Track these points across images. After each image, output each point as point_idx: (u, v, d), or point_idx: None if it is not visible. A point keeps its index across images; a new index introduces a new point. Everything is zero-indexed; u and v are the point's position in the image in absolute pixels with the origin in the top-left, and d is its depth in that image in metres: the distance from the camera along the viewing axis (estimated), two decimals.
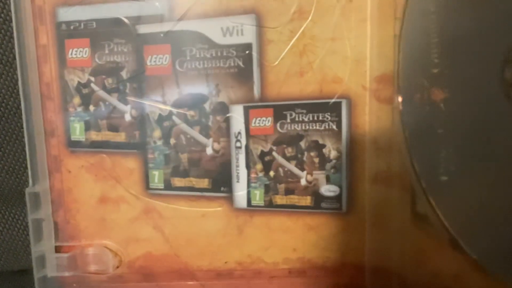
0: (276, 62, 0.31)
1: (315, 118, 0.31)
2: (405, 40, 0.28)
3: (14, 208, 0.35)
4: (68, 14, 0.31)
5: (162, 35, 0.31)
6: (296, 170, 0.32)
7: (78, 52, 0.31)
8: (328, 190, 0.32)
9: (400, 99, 0.29)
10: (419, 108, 0.29)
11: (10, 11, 0.31)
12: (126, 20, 0.31)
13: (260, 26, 0.30)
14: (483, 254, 0.28)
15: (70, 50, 0.31)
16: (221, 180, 0.32)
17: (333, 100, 0.31)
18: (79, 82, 0.32)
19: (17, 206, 0.35)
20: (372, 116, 0.31)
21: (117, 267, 0.33)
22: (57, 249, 0.33)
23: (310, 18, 0.30)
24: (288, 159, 0.32)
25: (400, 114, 0.30)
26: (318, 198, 0.32)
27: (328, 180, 0.32)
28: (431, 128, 0.28)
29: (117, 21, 0.31)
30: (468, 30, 0.25)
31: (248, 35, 0.30)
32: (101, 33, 0.31)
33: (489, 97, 0.25)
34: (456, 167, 0.28)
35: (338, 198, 0.32)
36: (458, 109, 0.27)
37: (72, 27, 0.31)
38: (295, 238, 0.33)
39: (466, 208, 0.28)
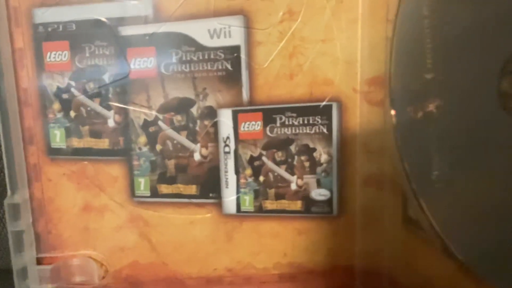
0: (265, 65, 0.30)
1: (305, 122, 0.31)
2: (398, 44, 0.28)
3: None
4: (45, 15, 0.29)
5: (147, 37, 0.29)
6: (286, 175, 0.31)
7: (57, 55, 0.30)
8: (319, 194, 0.32)
9: (391, 103, 0.29)
10: (411, 112, 0.28)
11: None
12: (107, 22, 0.29)
13: (248, 28, 0.29)
14: (473, 258, 0.28)
15: (48, 54, 0.30)
16: (209, 186, 0.32)
17: (323, 103, 0.30)
18: (58, 87, 0.30)
19: None
20: (363, 119, 0.31)
21: (103, 277, 0.32)
22: (39, 261, 0.32)
23: (300, 19, 0.29)
24: (278, 163, 0.31)
25: (392, 118, 0.29)
26: (309, 203, 0.32)
27: (319, 184, 0.31)
28: (423, 132, 0.28)
29: (98, 23, 0.29)
30: (463, 36, 0.25)
31: (236, 37, 0.29)
32: (81, 35, 0.29)
33: (483, 106, 0.24)
34: (447, 172, 0.28)
35: (329, 202, 0.32)
36: (450, 115, 0.27)
37: (50, 29, 0.29)
38: (285, 243, 0.32)
39: (456, 212, 0.28)
